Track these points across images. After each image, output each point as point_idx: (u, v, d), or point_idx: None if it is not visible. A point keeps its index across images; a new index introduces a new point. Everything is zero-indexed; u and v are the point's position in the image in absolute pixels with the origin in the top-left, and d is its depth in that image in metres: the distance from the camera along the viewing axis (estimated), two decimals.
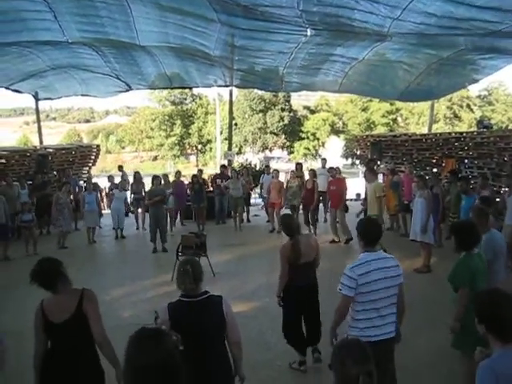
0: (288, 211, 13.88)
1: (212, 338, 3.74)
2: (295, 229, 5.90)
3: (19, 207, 13.84)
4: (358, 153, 26.91)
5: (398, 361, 4.55)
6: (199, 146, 53.06)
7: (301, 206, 14.37)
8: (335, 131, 50.30)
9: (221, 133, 38.46)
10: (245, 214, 16.66)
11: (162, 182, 14.52)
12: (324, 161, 17.02)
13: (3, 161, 16.75)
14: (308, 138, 48.87)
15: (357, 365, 2.33)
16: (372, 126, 45.43)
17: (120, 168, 18.70)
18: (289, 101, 48.72)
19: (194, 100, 53.07)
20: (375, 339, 4.21)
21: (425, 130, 23.28)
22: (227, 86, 18.86)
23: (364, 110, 46.16)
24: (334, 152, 47.25)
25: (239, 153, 44.98)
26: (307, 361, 5.97)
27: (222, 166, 17.21)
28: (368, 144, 19.01)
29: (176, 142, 51.94)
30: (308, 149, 48.73)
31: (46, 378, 3.76)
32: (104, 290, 9.54)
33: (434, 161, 16.89)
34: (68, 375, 3.67)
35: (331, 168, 14.08)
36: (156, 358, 2.18)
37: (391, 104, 44.73)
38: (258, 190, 18.81)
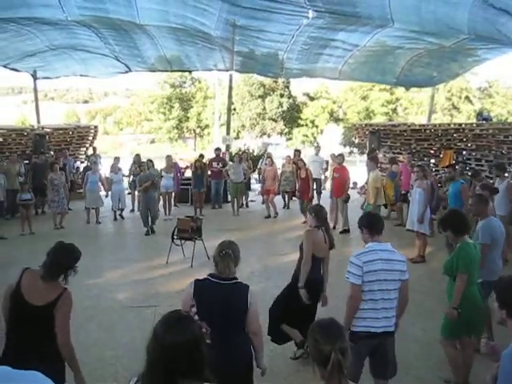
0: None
1: (232, 323, 3.73)
2: (325, 219, 5.81)
3: (18, 185, 13.84)
4: (357, 141, 26.86)
5: None
6: (197, 130, 52.85)
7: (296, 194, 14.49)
8: (334, 119, 50.13)
9: (219, 117, 38.27)
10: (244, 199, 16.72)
11: (165, 164, 14.57)
12: (318, 148, 17.06)
13: (0, 139, 16.72)
14: (307, 125, 48.65)
15: (329, 342, 2.39)
16: (371, 114, 45.21)
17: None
18: (288, 87, 48.37)
19: (193, 83, 52.77)
20: (377, 331, 4.24)
21: (424, 121, 23.23)
22: (227, 71, 18.77)
23: (364, 98, 45.91)
24: (332, 140, 47.13)
25: (237, 138, 44.82)
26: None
27: (217, 149, 17.08)
28: (367, 133, 18.97)
29: (174, 125, 51.72)
30: (306, 136, 48.56)
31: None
32: (99, 271, 9.58)
33: (433, 151, 16.87)
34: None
35: (338, 155, 13.92)
36: (182, 339, 2.22)
37: (391, 93, 44.55)
38: (255, 175, 18.79)
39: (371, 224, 4.48)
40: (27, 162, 16.13)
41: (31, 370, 2.15)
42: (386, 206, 14.16)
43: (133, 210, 15.84)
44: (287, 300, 5.82)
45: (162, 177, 14.63)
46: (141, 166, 13.82)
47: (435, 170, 15.30)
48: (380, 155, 17.38)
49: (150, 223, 12.87)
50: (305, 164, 14.23)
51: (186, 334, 2.26)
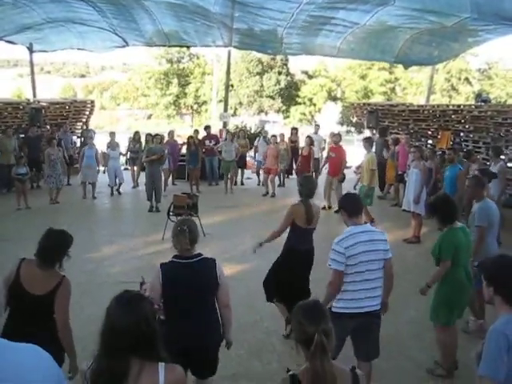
0: None
1: (203, 300, 3.76)
2: (313, 192, 5.90)
3: (13, 160, 13.79)
4: (354, 120, 26.78)
5: (383, 329, 4.59)
6: (195, 107, 52.54)
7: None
8: (332, 97, 49.88)
9: (217, 94, 38.04)
10: (239, 177, 16.64)
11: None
12: (317, 127, 17.04)
13: None
14: (304, 103, 48.38)
15: (312, 324, 2.42)
16: (370, 94, 44.92)
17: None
18: (286, 64, 48.01)
19: (191, 59, 52.27)
20: (360, 311, 4.27)
21: (422, 101, 23.14)
22: (226, 47, 18.63)
23: (362, 77, 45.58)
24: (329, 118, 46.98)
25: (234, 115, 44.59)
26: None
27: (207, 127, 17.03)
28: (365, 112, 18.86)
29: (172, 101, 51.42)
30: (304, 114, 48.33)
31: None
32: (95, 246, 9.60)
33: (430, 132, 16.82)
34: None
35: (335, 134, 13.84)
36: (131, 322, 2.27)
37: (390, 73, 44.29)
38: (251, 153, 18.75)
39: (349, 206, 4.52)
40: (23, 135, 16.07)
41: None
42: (381, 187, 14.20)
43: (134, 187, 15.83)
44: (278, 274, 5.92)
45: None
46: (154, 138, 13.56)
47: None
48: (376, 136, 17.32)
49: (154, 200, 12.69)
50: (312, 143, 14.13)
51: (137, 312, 2.31)
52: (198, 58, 52.07)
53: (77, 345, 3.91)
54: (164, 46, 21.91)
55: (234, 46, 18.60)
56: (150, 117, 60.37)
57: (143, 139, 16.01)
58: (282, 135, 15.76)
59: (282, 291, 5.82)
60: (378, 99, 41.14)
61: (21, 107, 17.46)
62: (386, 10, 11.97)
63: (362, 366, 4.37)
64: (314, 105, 48.50)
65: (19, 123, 16.97)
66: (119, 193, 15.00)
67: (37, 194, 14.39)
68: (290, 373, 2.47)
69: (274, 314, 6.17)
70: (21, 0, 13.52)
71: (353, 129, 43.17)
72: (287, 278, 5.74)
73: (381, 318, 4.49)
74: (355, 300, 4.27)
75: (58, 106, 18.92)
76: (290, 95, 48.82)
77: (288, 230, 5.92)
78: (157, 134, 13.67)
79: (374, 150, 12.98)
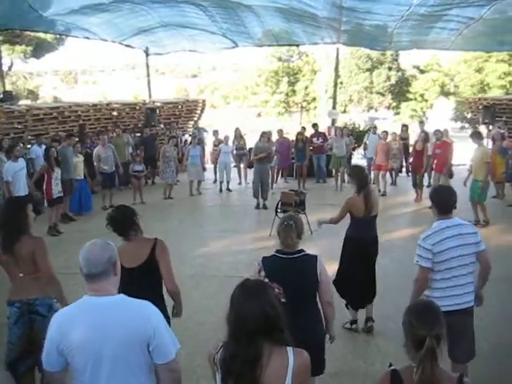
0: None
1: (304, 296, 3.78)
2: (367, 181, 5.83)
3: (128, 157, 14.54)
4: (469, 116, 25.63)
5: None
6: (304, 104, 52.63)
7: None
8: (445, 93, 48.12)
9: (326, 91, 37.92)
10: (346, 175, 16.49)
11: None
12: (421, 124, 16.53)
13: (115, 113, 17.65)
14: (416, 99, 47.09)
15: (426, 328, 2.34)
16: (486, 88, 42.79)
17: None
18: (397, 59, 46.96)
19: (300, 57, 52.47)
20: (451, 308, 4.04)
21: None
22: (334, 44, 18.55)
23: (478, 70, 43.50)
24: (442, 114, 45.34)
25: (344, 112, 44.19)
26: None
27: (314, 125, 17.00)
28: (480, 107, 18.07)
29: (281, 99, 51.86)
30: (415, 110, 47.00)
31: None
32: (204, 241, 9.90)
33: None
34: None
35: (437, 130, 13.39)
36: (257, 307, 2.34)
37: (510, 65, 41.88)
38: (361, 150, 18.48)
39: (440, 202, 4.29)
40: (139, 134, 16.91)
41: None
42: None
43: (240, 183, 16.19)
44: (340, 265, 6.01)
45: None
46: (262, 138, 13.77)
47: None
48: (493, 131, 16.49)
49: (261, 198, 12.82)
50: (427, 139, 13.62)
51: (261, 296, 2.39)
52: (307, 55, 52.15)
53: (187, 332, 4.10)
54: (272, 45, 22.16)
55: (343, 43, 18.50)
56: (259, 115, 61.22)
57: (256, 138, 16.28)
58: (395, 134, 15.35)
59: (345, 284, 5.84)
60: (495, 93, 39.11)
61: (137, 108, 18.41)
62: (506, 2, 11.36)
63: (457, 368, 4.08)
64: (426, 100, 47.02)
65: (136, 123, 17.90)
66: (229, 190, 15.36)
67: (151, 190, 15.10)
68: (392, 367, 2.42)
69: (379, 315, 6.09)
70: (138, 5, 14.25)
71: (467, 125, 41.32)
72: (347, 268, 5.83)
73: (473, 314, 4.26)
74: (448, 297, 4.09)
75: (171, 105, 19.74)
76: (400, 91, 47.69)
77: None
78: (264, 132, 13.80)
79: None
